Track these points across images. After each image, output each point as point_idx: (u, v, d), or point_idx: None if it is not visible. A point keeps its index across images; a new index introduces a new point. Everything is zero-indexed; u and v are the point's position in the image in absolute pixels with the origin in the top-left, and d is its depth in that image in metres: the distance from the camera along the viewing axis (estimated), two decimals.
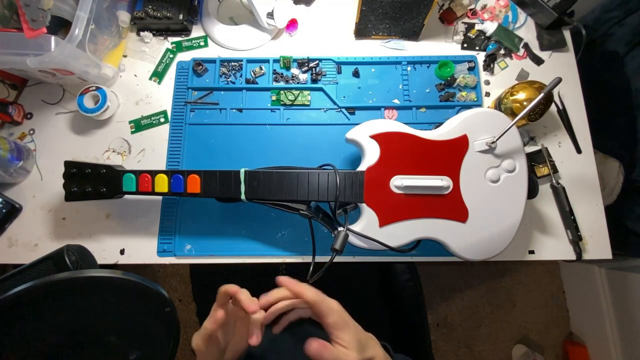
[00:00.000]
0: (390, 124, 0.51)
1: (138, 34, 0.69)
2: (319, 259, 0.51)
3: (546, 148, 0.62)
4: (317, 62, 0.66)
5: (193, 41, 0.69)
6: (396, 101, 0.64)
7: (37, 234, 0.61)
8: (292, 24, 0.70)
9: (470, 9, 0.69)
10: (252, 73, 0.66)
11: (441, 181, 0.49)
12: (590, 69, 0.91)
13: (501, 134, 0.49)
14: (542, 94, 0.47)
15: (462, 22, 0.69)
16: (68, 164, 0.53)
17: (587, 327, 1.27)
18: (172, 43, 0.69)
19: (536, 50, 0.67)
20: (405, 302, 0.79)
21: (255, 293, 0.57)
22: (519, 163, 0.50)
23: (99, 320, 0.45)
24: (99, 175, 0.53)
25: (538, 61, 0.67)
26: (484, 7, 0.70)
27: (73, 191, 0.53)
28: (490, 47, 0.67)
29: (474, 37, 0.68)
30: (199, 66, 0.66)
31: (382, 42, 0.69)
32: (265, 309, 0.43)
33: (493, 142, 0.49)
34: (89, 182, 0.53)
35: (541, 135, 0.64)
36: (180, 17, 0.67)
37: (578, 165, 0.62)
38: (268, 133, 0.64)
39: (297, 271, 0.54)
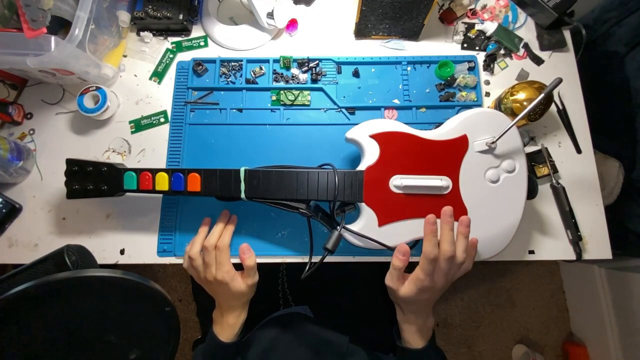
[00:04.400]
0: (390, 124, 0.51)
1: (138, 34, 0.69)
2: (318, 258, 0.51)
3: (546, 148, 0.62)
4: (317, 62, 0.66)
5: (193, 41, 0.69)
6: (396, 101, 0.64)
7: (37, 234, 0.61)
8: (292, 24, 0.70)
9: (470, 9, 0.69)
10: (252, 73, 0.66)
11: (440, 181, 0.49)
12: (590, 69, 0.91)
13: (501, 134, 0.49)
14: (542, 95, 0.47)
15: (462, 22, 0.69)
16: (70, 162, 0.53)
17: (587, 327, 1.28)
18: (172, 43, 0.69)
19: (536, 50, 0.67)
20: None
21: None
22: (518, 163, 0.50)
23: (99, 320, 0.45)
24: (100, 173, 0.53)
25: (538, 61, 0.67)
26: (484, 7, 0.70)
27: (74, 189, 0.53)
28: (490, 47, 0.67)
29: (474, 37, 0.68)
30: (199, 66, 0.66)
31: (382, 42, 0.69)
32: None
33: (493, 142, 0.49)
34: (91, 180, 0.53)
35: (541, 135, 0.64)
36: (180, 17, 0.67)
37: (578, 165, 0.62)
38: (268, 133, 0.64)
39: (297, 271, 0.54)
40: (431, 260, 0.46)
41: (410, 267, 0.49)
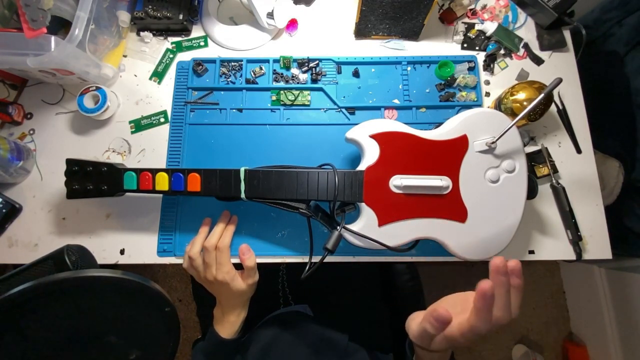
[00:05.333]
0: (390, 124, 0.51)
1: (138, 34, 0.69)
2: (318, 258, 0.51)
3: (546, 148, 0.62)
4: (317, 62, 0.66)
5: (193, 41, 0.69)
6: (396, 101, 0.64)
7: (37, 234, 0.61)
8: (292, 24, 0.70)
9: (470, 9, 0.69)
10: (252, 73, 0.66)
11: (440, 181, 0.49)
12: (590, 69, 0.91)
13: (501, 134, 0.49)
14: (542, 95, 0.47)
15: (462, 22, 0.69)
16: (70, 162, 0.53)
17: (587, 327, 1.27)
18: (172, 43, 0.69)
19: (536, 50, 0.67)
20: (406, 302, 0.79)
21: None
22: (518, 163, 0.50)
23: (99, 320, 0.45)
24: (100, 173, 0.53)
25: (538, 61, 0.67)
26: (484, 7, 0.70)
27: (74, 189, 0.53)
28: (490, 47, 0.67)
29: (474, 37, 0.68)
30: (199, 66, 0.66)
31: (382, 42, 0.69)
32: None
33: (493, 142, 0.49)
34: (91, 180, 0.53)
35: (541, 135, 0.64)
36: (180, 17, 0.67)
37: (578, 165, 0.62)
38: (268, 133, 0.64)
39: (297, 270, 0.54)
40: (476, 334, 0.36)
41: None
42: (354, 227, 0.49)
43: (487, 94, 0.65)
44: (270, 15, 0.64)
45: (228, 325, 0.55)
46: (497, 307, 0.35)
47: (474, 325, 0.35)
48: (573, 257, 0.58)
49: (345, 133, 0.52)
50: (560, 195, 0.60)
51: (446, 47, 0.69)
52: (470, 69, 0.66)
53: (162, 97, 0.67)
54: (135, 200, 0.61)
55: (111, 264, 0.60)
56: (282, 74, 0.66)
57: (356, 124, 0.52)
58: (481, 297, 0.34)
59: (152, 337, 0.47)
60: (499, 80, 0.66)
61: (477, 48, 0.68)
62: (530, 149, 0.62)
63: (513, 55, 0.67)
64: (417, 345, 0.46)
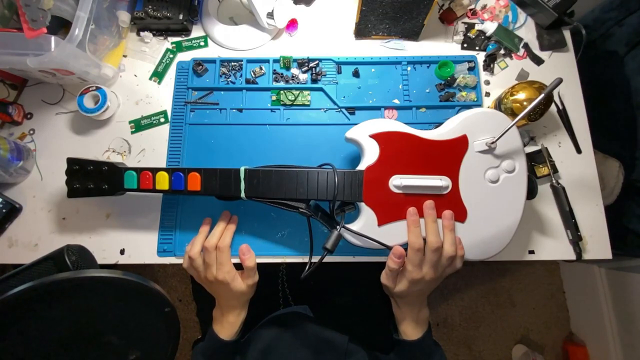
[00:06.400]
0: (390, 124, 0.51)
1: (138, 34, 0.69)
2: (318, 258, 0.51)
3: (546, 148, 0.62)
4: (317, 62, 0.66)
5: (193, 41, 0.69)
6: (396, 101, 0.64)
7: (37, 234, 0.61)
8: (292, 24, 0.70)
9: (470, 9, 0.69)
10: (252, 73, 0.66)
11: (440, 181, 0.49)
12: (590, 69, 0.91)
13: (501, 134, 0.49)
14: (542, 95, 0.47)
15: (462, 22, 0.69)
16: (70, 161, 0.53)
17: (587, 327, 1.28)
18: (172, 43, 0.69)
19: (536, 50, 0.67)
20: None
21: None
22: (518, 163, 0.50)
23: (99, 320, 0.45)
24: (101, 172, 0.53)
25: (538, 61, 0.67)
26: (484, 7, 0.70)
27: (75, 188, 0.53)
28: (490, 47, 0.67)
29: (474, 37, 0.68)
30: (199, 66, 0.66)
31: (382, 42, 0.69)
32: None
33: (493, 143, 0.49)
34: (91, 179, 0.53)
35: (541, 135, 0.64)
36: (180, 17, 0.67)
37: (578, 165, 0.62)
38: (268, 133, 0.64)
39: (297, 271, 0.54)
40: (416, 251, 0.47)
41: None
42: (353, 226, 0.50)
43: (487, 94, 0.65)
44: (270, 15, 0.64)
45: (227, 326, 0.55)
46: (428, 232, 0.47)
47: (410, 241, 0.47)
48: (573, 257, 0.58)
49: (345, 133, 0.52)
50: (560, 195, 0.60)
51: (446, 47, 0.69)
52: (470, 69, 0.66)
53: (162, 97, 0.67)
54: (135, 200, 0.61)
55: (111, 264, 0.60)
56: (282, 74, 0.66)
57: (356, 124, 0.52)
58: (407, 215, 0.48)
59: (152, 337, 0.47)
60: (499, 80, 0.66)
61: (477, 48, 0.68)
62: (530, 149, 0.62)
63: (513, 55, 0.67)
64: (394, 307, 0.55)
